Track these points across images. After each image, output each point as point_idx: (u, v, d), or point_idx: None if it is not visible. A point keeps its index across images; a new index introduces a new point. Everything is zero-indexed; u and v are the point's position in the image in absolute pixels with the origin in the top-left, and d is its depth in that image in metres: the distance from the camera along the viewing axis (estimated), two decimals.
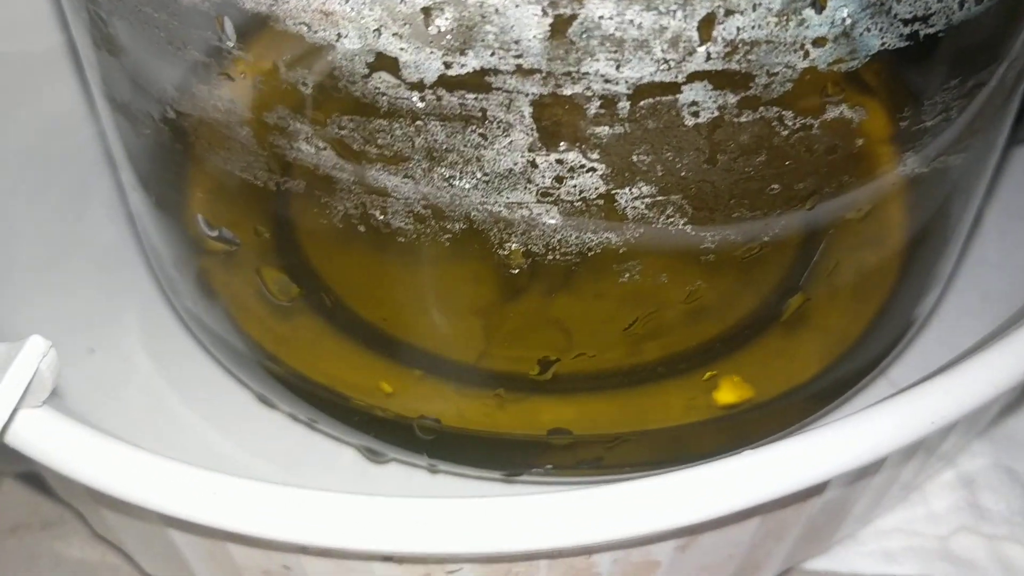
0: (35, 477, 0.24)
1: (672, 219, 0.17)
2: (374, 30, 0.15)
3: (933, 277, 0.22)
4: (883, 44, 0.15)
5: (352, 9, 0.15)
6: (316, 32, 0.15)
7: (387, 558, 0.17)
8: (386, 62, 0.15)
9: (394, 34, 0.15)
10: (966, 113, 0.18)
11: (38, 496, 0.24)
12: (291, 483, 0.17)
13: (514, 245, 0.17)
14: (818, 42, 0.15)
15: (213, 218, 0.19)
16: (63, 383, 0.23)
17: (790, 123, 0.16)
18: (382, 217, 0.17)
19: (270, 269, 0.19)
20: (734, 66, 0.15)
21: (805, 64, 0.15)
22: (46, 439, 0.16)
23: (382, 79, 0.15)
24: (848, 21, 0.15)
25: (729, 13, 0.14)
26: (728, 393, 0.21)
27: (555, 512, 0.16)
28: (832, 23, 0.15)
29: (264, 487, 0.16)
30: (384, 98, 0.15)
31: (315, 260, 0.19)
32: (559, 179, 0.16)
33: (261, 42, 0.16)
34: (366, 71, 0.15)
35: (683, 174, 0.16)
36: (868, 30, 0.15)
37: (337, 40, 0.15)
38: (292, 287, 0.19)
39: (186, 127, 0.18)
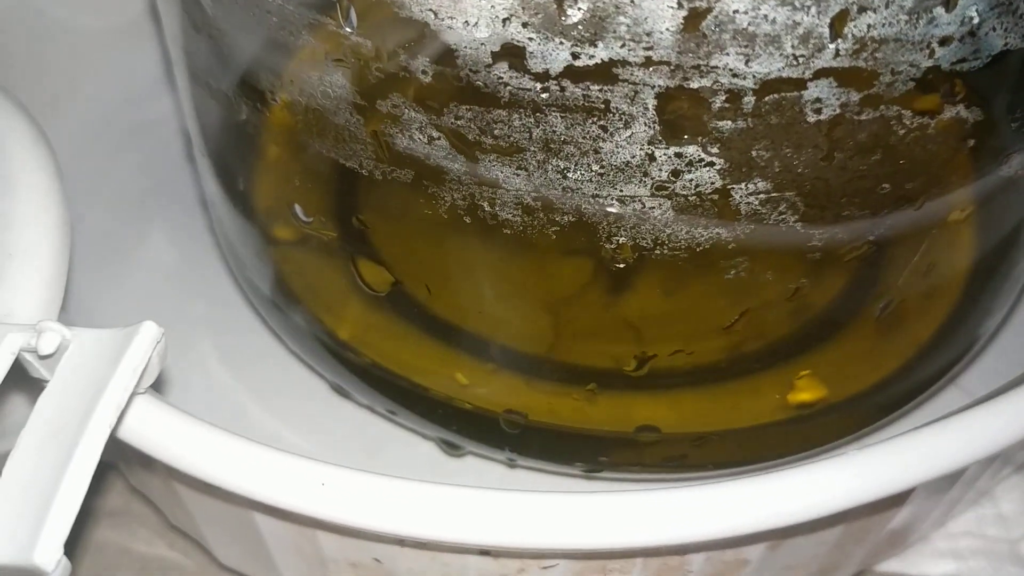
0: (102, 465, 0.24)
1: (784, 216, 0.17)
2: (503, 19, 0.15)
3: (1011, 284, 0.22)
4: (1006, 44, 0.15)
5: None
6: (442, 19, 0.15)
7: (484, 552, 0.17)
8: (512, 51, 0.15)
9: (524, 23, 0.15)
10: None
11: (104, 484, 0.24)
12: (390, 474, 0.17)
13: (622, 239, 0.17)
14: (944, 41, 0.15)
15: (309, 207, 0.19)
16: None
17: (908, 122, 0.16)
18: (490, 209, 0.17)
19: (366, 260, 0.19)
20: (860, 63, 0.15)
21: (929, 63, 0.15)
22: (150, 426, 0.16)
23: (506, 69, 0.15)
24: (976, 20, 0.15)
25: (863, 10, 0.14)
26: (811, 393, 0.21)
27: (655, 510, 0.16)
28: (961, 22, 0.15)
29: (371, 478, 0.16)
30: (506, 88, 0.15)
31: (411, 251, 0.19)
32: (676, 173, 0.16)
33: (378, 28, 0.16)
34: (490, 60, 0.15)
35: (799, 171, 0.16)
36: (993, 29, 0.15)
37: (464, 27, 0.15)
38: (388, 277, 0.19)
39: (288, 114, 0.18)
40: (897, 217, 0.17)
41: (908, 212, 0.17)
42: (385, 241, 0.18)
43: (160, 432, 0.16)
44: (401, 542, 0.17)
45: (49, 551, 0.13)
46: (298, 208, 0.19)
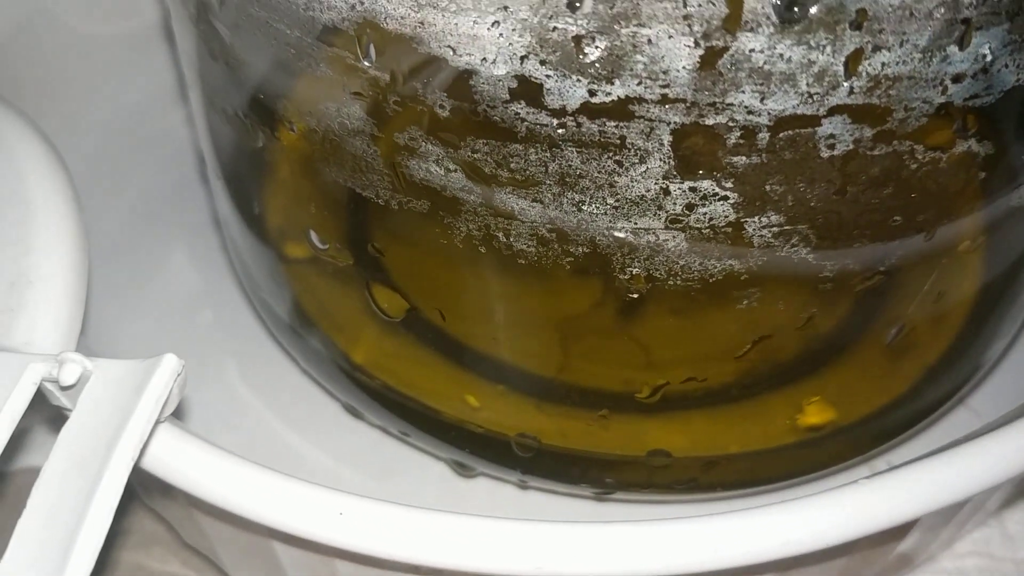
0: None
1: (796, 248, 0.17)
2: (521, 56, 0.15)
3: (1019, 307, 0.22)
4: (1018, 80, 0.16)
5: (501, 35, 0.15)
6: (460, 56, 0.15)
7: None
8: (529, 88, 0.15)
9: (541, 61, 0.15)
10: None
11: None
12: (412, 504, 0.17)
13: (636, 270, 0.17)
14: (958, 78, 0.15)
15: (325, 233, 0.19)
16: None
17: (920, 156, 0.16)
18: (504, 240, 0.17)
19: (380, 285, 0.19)
20: (874, 100, 0.15)
21: (942, 99, 0.15)
22: (170, 455, 0.16)
23: (523, 104, 0.15)
24: (989, 57, 0.15)
25: (877, 49, 0.15)
26: (814, 415, 0.21)
27: (666, 541, 0.16)
28: (974, 59, 0.15)
29: (389, 508, 0.16)
30: (523, 123, 0.15)
31: (426, 279, 0.19)
32: (690, 206, 0.16)
33: (396, 62, 0.16)
34: (507, 96, 0.15)
35: (812, 204, 0.16)
36: (1006, 66, 0.15)
37: (481, 64, 0.15)
38: (402, 303, 0.19)
39: (305, 143, 0.18)
40: (908, 248, 0.17)
41: (919, 243, 0.17)
42: (400, 268, 0.19)
43: (180, 460, 0.16)
44: (416, 570, 0.17)
45: None
46: (313, 234, 0.19)
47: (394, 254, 0.18)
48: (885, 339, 0.19)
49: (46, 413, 0.18)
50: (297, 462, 0.22)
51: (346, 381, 0.22)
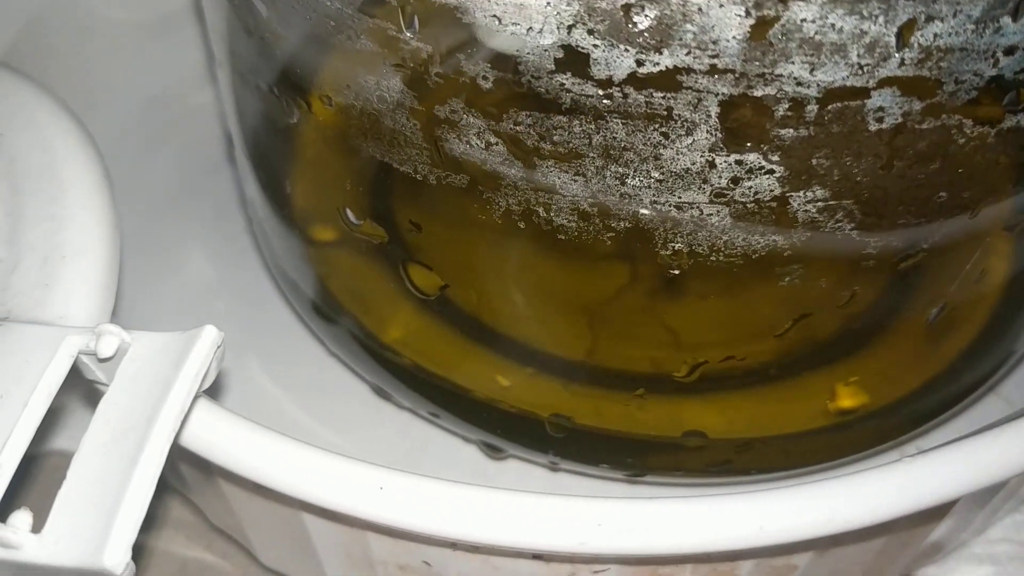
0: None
1: (840, 224, 0.16)
2: (568, 25, 0.15)
3: None
4: None
5: (549, 3, 0.15)
6: (507, 25, 0.15)
7: (537, 556, 0.17)
8: (576, 58, 0.15)
9: (589, 30, 0.15)
10: None
11: None
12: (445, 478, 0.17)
13: (678, 245, 0.17)
14: (1010, 50, 0.15)
15: (360, 210, 0.19)
16: None
17: (968, 131, 0.16)
18: (545, 215, 0.17)
19: (415, 263, 0.19)
20: (925, 72, 0.15)
21: (993, 72, 0.15)
22: (207, 430, 0.16)
23: (568, 75, 0.15)
24: None
25: (930, 19, 0.14)
26: (847, 399, 0.21)
27: (707, 517, 0.16)
28: None
29: (428, 483, 0.16)
30: (568, 94, 0.15)
31: (462, 256, 0.19)
32: (735, 180, 0.16)
33: (438, 33, 0.16)
34: (552, 66, 0.15)
35: (858, 179, 0.16)
36: None
37: (527, 33, 0.15)
38: (437, 281, 0.19)
39: (343, 117, 0.18)
40: (952, 225, 0.17)
41: (963, 220, 0.17)
42: (436, 245, 0.18)
43: (217, 436, 0.16)
44: (454, 545, 0.17)
45: (118, 554, 0.13)
46: (349, 211, 0.19)
47: (430, 231, 0.18)
48: (924, 320, 0.19)
49: (81, 391, 0.18)
50: (325, 444, 0.22)
51: (374, 362, 0.21)
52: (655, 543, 0.16)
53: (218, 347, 0.15)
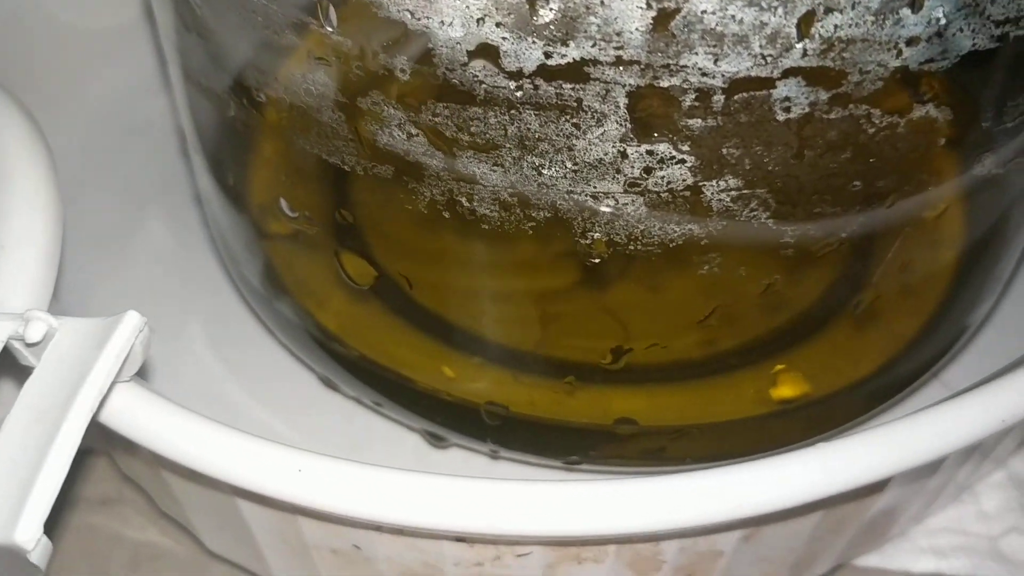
0: (95, 452, 0.25)
1: (755, 213, 0.17)
2: (477, 19, 0.15)
3: (994, 280, 0.22)
4: (974, 45, 0.16)
5: None
6: (419, 19, 0.15)
7: (459, 539, 0.18)
8: (486, 50, 0.15)
9: (497, 23, 0.15)
10: None
11: (97, 472, 0.25)
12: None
13: (597, 235, 0.17)
14: (912, 41, 0.15)
15: (295, 201, 0.19)
16: None
17: (877, 121, 0.16)
18: (467, 204, 0.17)
19: (349, 253, 0.19)
20: (828, 63, 0.15)
21: (897, 63, 0.15)
22: (133, 413, 0.17)
23: (481, 67, 0.16)
24: (943, 21, 0.15)
25: (829, 10, 0.15)
26: (790, 388, 0.21)
27: (626, 498, 0.17)
28: (927, 23, 0.15)
29: (347, 466, 0.16)
30: (481, 86, 0.16)
31: (394, 245, 0.19)
32: (648, 170, 0.16)
33: (359, 27, 0.16)
34: (465, 59, 0.15)
35: (770, 168, 0.16)
36: (960, 31, 0.15)
37: (439, 27, 0.15)
38: (370, 271, 0.19)
39: (274, 111, 0.18)
40: (869, 215, 0.17)
41: (880, 210, 0.17)
42: (368, 235, 0.19)
43: (142, 418, 0.16)
44: (379, 528, 0.18)
45: (29, 530, 0.14)
46: (284, 203, 0.19)
47: (361, 221, 0.19)
48: (851, 309, 0.19)
49: (18, 375, 0.18)
50: (272, 432, 0.22)
51: (320, 351, 0.22)
52: (572, 525, 0.16)
53: (140, 331, 0.15)
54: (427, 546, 0.18)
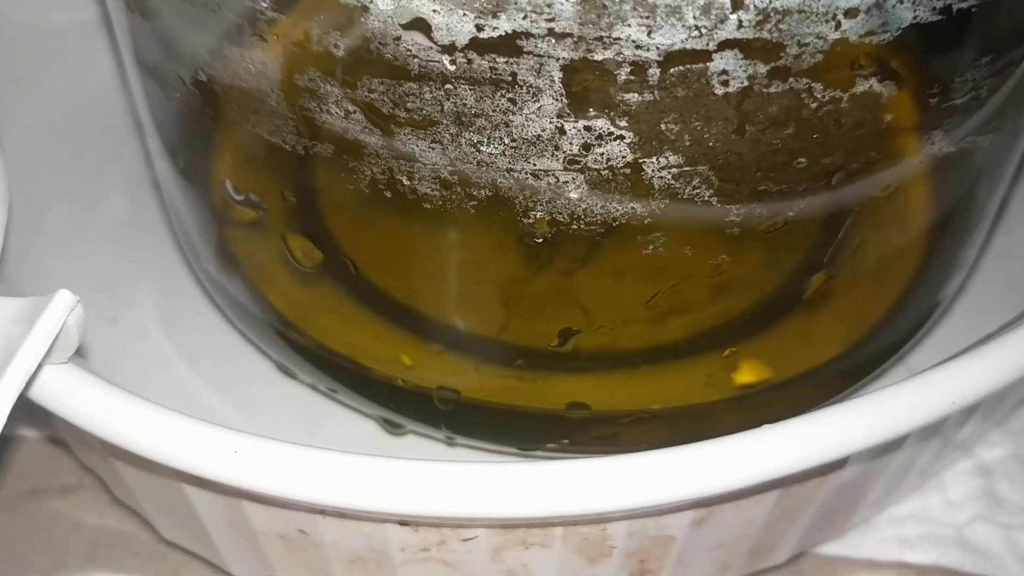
0: (56, 441, 0.25)
1: (698, 190, 0.17)
2: None
3: (956, 262, 0.22)
4: (915, 17, 0.15)
5: None
6: None
7: (403, 522, 0.18)
8: (418, 24, 0.15)
9: None
10: (997, 93, 0.18)
11: (57, 461, 0.24)
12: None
13: (539, 214, 0.17)
14: (850, 13, 0.15)
15: (240, 183, 0.19)
16: (86, 352, 0.24)
17: (819, 95, 0.16)
18: (408, 183, 0.17)
19: (295, 235, 0.19)
20: (765, 35, 0.15)
21: (836, 35, 0.15)
22: (69, 394, 0.16)
23: (413, 41, 0.15)
24: None
25: None
26: (746, 373, 0.21)
27: (568, 478, 0.16)
28: None
29: (284, 447, 0.16)
30: (415, 60, 0.15)
31: (339, 227, 0.19)
32: (586, 147, 0.16)
33: (295, 3, 0.16)
34: (397, 33, 0.15)
35: (711, 144, 0.16)
36: (901, 2, 0.15)
37: (371, 1, 0.15)
38: (316, 253, 0.19)
39: (216, 91, 0.18)
40: (816, 193, 0.17)
41: (827, 188, 0.17)
42: (312, 216, 0.19)
43: (78, 398, 0.16)
44: (322, 512, 0.17)
45: None
46: (229, 185, 0.19)
47: (305, 202, 0.19)
48: (807, 292, 0.19)
49: None
50: (227, 419, 0.22)
51: (274, 337, 0.22)
52: (513, 507, 0.16)
53: (72, 311, 0.15)
54: (372, 531, 0.18)
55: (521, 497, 0.16)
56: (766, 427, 0.17)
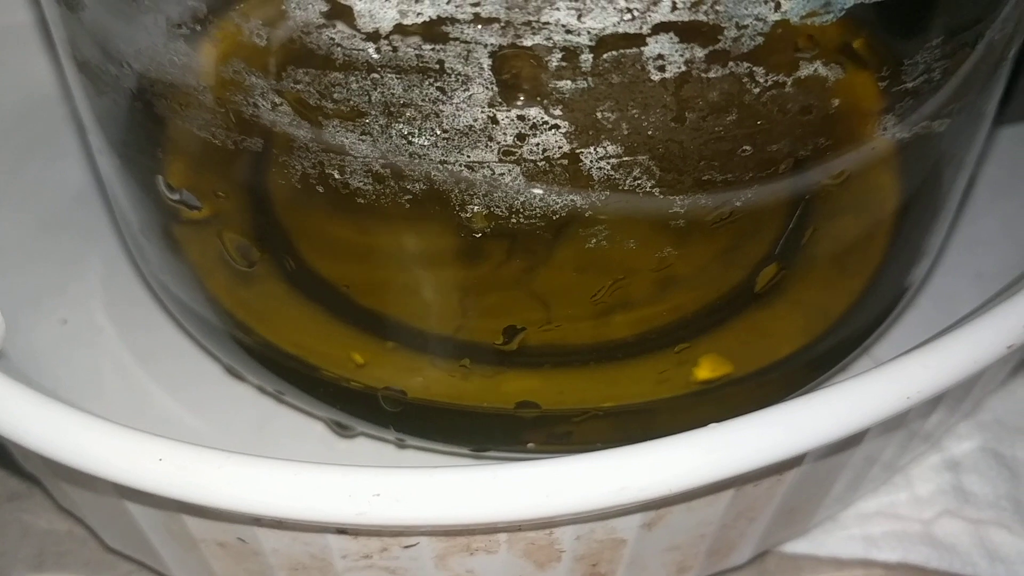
0: (2, 447, 0.24)
1: (639, 181, 0.16)
2: None
3: (917, 253, 0.21)
4: None
5: None
6: None
7: (341, 531, 0.17)
8: (341, 11, 0.14)
9: None
10: (953, 78, 0.17)
11: (5, 469, 0.24)
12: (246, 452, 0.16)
13: (476, 207, 0.16)
14: None
15: (174, 180, 0.18)
16: (35, 354, 0.23)
17: (762, 80, 0.15)
18: (340, 177, 0.16)
19: (231, 233, 0.18)
20: (701, 17, 0.14)
21: (776, 17, 0.15)
22: None
23: (337, 29, 0.15)
24: None
25: None
26: (704, 369, 0.20)
27: (501, 483, 0.16)
28: None
29: (211, 453, 0.15)
30: (339, 49, 0.15)
31: (273, 224, 0.18)
32: (521, 137, 0.15)
33: None
34: (321, 20, 0.15)
35: (650, 133, 0.15)
36: None
37: None
38: (253, 251, 0.18)
39: (145, 85, 0.17)
40: (763, 182, 0.17)
41: (774, 177, 0.16)
42: (247, 214, 0.18)
43: (5, 407, 0.16)
44: (256, 521, 0.17)
45: None
46: (162, 182, 0.18)
47: (239, 199, 0.18)
48: (756, 284, 0.18)
49: None
50: (175, 424, 0.22)
51: (219, 337, 0.21)
52: (453, 513, 0.16)
53: None
54: (311, 538, 0.17)
55: (454, 504, 0.15)
56: (712, 426, 0.16)
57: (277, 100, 0.16)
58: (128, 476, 0.15)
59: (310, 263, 0.18)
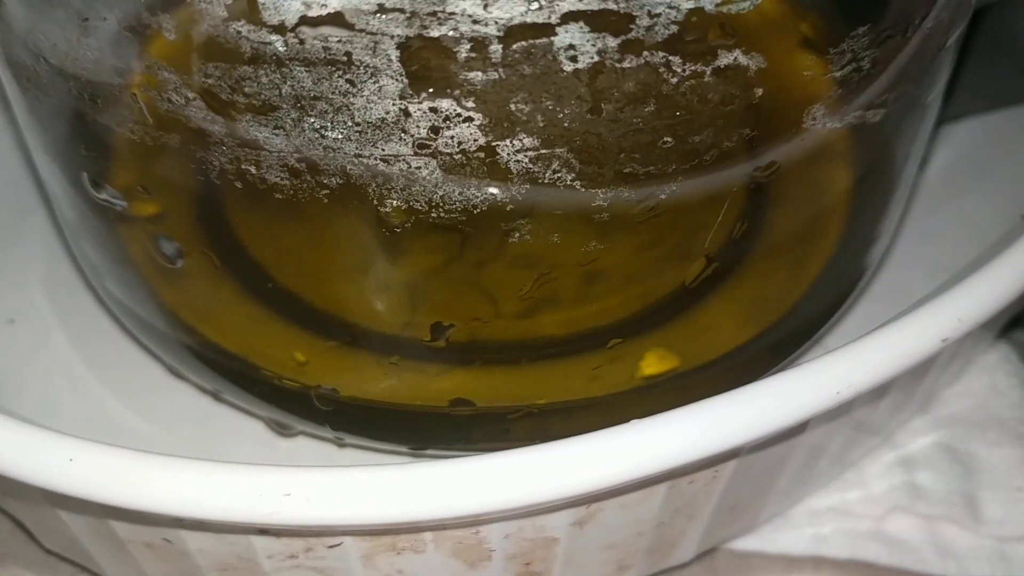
0: None
1: (559, 174, 0.16)
2: None
3: (862, 247, 0.21)
4: None
5: None
6: None
7: (263, 531, 0.17)
8: (246, 4, 0.14)
9: None
10: (885, 67, 0.17)
11: None
12: (174, 453, 0.16)
13: (395, 201, 0.16)
14: None
15: (99, 177, 0.18)
16: None
17: (679, 70, 0.15)
18: (256, 172, 0.16)
19: (156, 230, 0.18)
20: (611, 5, 0.14)
21: (690, 4, 0.14)
22: None
23: (243, 22, 0.14)
24: None
25: None
26: (649, 364, 0.20)
27: (420, 481, 0.15)
28: None
29: (122, 453, 0.15)
30: (247, 42, 0.15)
31: (198, 220, 0.18)
32: (435, 129, 0.15)
33: None
34: (225, 13, 0.14)
35: (566, 125, 0.15)
36: None
37: None
38: (176, 249, 0.18)
39: (63, 81, 0.17)
40: (688, 174, 0.16)
41: (699, 169, 0.16)
42: (170, 211, 0.18)
43: None
44: (179, 522, 0.17)
45: None
46: (86, 179, 0.18)
47: (162, 196, 0.18)
48: (686, 278, 0.18)
49: None
50: (114, 424, 0.21)
51: (152, 333, 0.21)
52: (344, 513, 0.15)
53: None
54: (235, 539, 0.17)
55: (367, 502, 0.15)
56: (635, 422, 0.16)
57: (190, 95, 0.16)
58: (38, 477, 0.15)
59: (234, 259, 0.18)
